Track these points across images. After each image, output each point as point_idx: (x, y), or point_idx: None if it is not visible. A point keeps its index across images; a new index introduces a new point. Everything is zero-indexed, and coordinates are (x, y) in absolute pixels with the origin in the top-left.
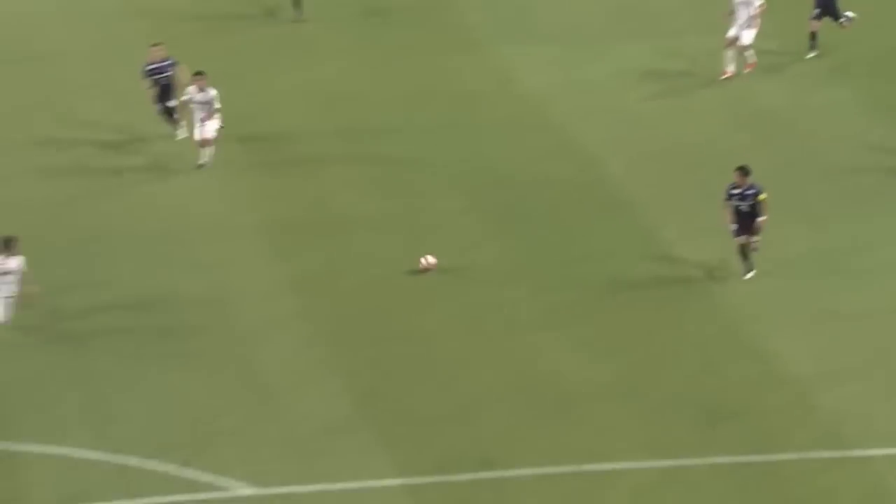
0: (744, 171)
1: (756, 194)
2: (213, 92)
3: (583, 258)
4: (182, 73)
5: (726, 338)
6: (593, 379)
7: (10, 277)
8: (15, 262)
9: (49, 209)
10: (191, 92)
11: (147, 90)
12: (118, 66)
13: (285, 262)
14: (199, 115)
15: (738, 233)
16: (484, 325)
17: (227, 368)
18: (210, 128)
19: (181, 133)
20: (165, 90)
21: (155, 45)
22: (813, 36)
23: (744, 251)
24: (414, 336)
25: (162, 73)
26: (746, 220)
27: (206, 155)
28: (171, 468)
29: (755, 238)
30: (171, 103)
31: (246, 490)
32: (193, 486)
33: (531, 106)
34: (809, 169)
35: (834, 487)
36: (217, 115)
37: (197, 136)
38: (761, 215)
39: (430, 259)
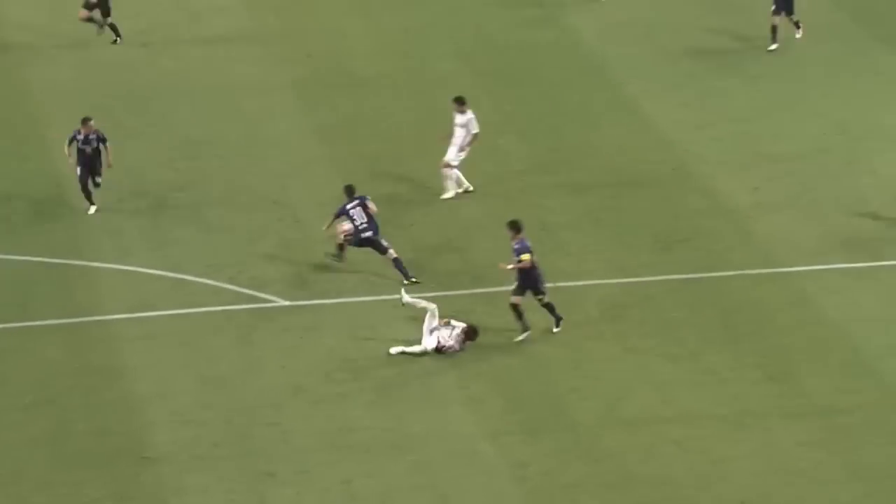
0: None
1: None
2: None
3: (560, 113)
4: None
5: (680, 177)
6: (570, 211)
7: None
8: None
9: None
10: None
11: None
12: None
13: (311, 114)
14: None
15: None
16: (478, 171)
17: (263, 205)
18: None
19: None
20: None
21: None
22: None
23: None
24: (424, 173)
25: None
26: None
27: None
28: (220, 284)
29: None
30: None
31: (281, 302)
32: (238, 298)
33: None
34: None
35: (764, 297)
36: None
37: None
38: None
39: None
